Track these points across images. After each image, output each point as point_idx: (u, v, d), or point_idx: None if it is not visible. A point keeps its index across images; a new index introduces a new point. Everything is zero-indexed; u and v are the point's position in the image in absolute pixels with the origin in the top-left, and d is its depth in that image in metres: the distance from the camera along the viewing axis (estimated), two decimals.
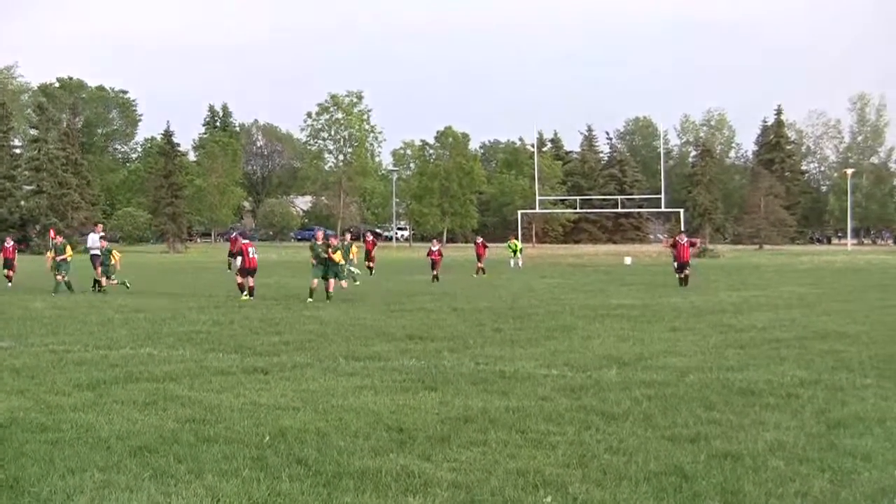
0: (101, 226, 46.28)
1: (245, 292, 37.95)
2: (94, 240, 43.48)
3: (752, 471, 11.14)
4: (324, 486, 10.48)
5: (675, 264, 53.04)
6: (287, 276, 55.77)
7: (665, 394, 16.10)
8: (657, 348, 22.78)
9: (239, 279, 39.19)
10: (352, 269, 50.95)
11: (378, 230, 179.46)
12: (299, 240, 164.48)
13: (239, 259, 39.46)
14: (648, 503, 9.86)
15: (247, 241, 39.57)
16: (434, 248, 55.84)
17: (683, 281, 47.89)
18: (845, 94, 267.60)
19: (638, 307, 34.86)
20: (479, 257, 64.33)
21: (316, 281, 37.81)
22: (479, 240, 66.87)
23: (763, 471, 11.15)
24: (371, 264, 62.73)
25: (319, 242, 38.25)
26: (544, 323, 28.97)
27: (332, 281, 37.91)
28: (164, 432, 13.11)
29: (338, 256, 38.08)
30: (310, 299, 36.84)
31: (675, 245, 49.72)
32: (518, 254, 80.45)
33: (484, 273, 62.27)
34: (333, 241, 38.32)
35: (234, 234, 63.83)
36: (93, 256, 42.97)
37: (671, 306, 35.26)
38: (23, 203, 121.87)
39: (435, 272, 54.76)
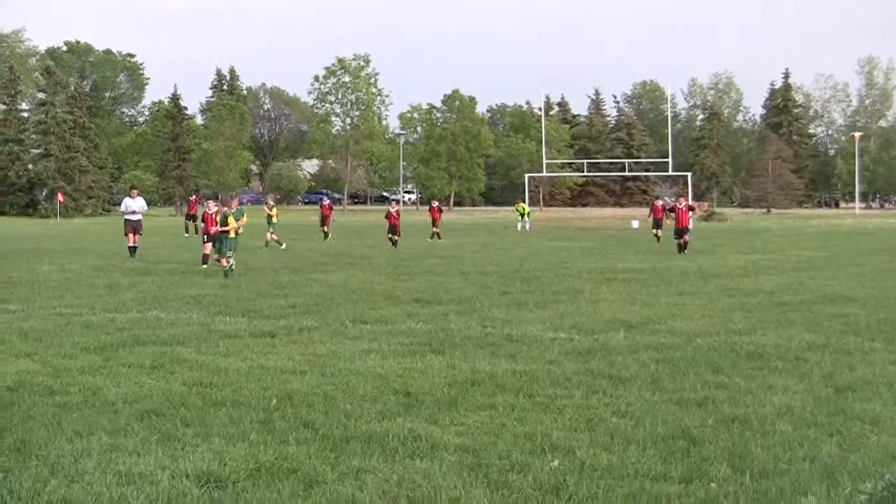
0: (136, 190, 45.66)
1: (204, 262, 36.12)
2: (127, 204, 43.04)
3: (759, 435, 11.12)
4: (331, 449, 10.47)
5: (663, 231, 53.02)
6: (293, 239, 55.71)
7: (673, 357, 16.10)
8: (664, 312, 22.79)
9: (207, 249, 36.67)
10: (273, 236, 50.44)
11: (385, 193, 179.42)
12: (306, 203, 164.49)
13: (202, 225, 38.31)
14: (656, 467, 9.84)
15: (217, 209, 36.81)
16: (392, 211, 53.85)
17: (683, 247, 46.30)
18: (853, 57, 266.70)
19: (645, 271, 34.86)
20: (434, 221, 61.78)
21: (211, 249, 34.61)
22: (435, 204, 64.29)
23: (771, 435, 11.13)
24: (326, 229, 59.84)
25: (233, 210, 34.00)
26: (551, 286, 28.98)
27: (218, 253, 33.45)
28: (171, 396, 13.11)
29: (230, 222, 33.20)
30: (204, 266, 34.41)
31: (673, 210, 48.38)
32: (525, 217, 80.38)
33: (439, 238, 59.91)
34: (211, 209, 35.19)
35: (194, 196, 62.25)
36: (127, 221, 42.48)
37: (679, 270, 35.26)
38: (30, 166, 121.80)
39: (393, 236, 52.84)
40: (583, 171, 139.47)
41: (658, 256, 42.96)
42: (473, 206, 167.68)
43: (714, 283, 30.17)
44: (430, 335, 18.77)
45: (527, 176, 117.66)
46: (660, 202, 61.99)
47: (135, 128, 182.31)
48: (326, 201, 63.98)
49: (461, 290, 27.83)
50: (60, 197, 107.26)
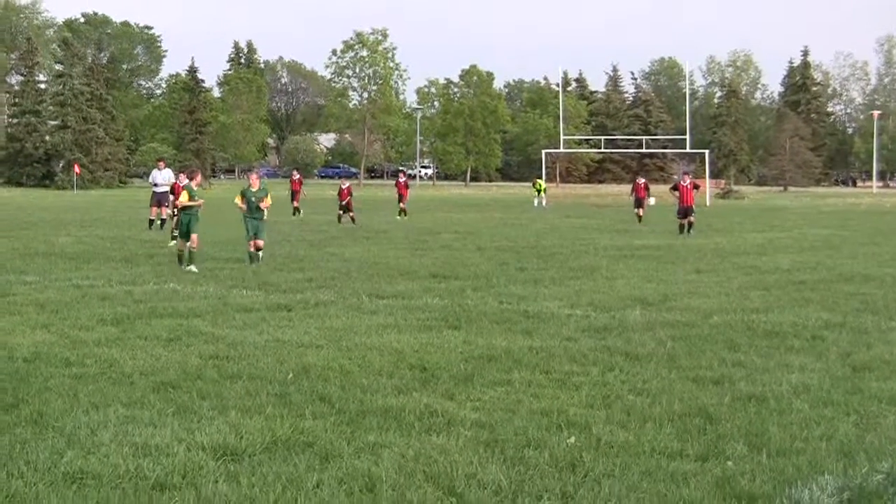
0: (163, 162, 45.34)
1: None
2: (153, 176, 43.03)
3: (776, 413, 11.10)
4: (347, 423, 10.48)
5: (645, 210, 51.98)
6: (310, 212, 55.69)
7: (689, 335, 16.07)
8: (681, 289, 22.74)
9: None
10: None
11: (401, 168, 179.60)
12: (323, 177, 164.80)
13: (171, 198, 36.91)
14: (672, 444, 9.83)
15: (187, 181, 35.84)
16: (344, 187, 50.94)
17: (687, 227, 43.60)
18: (873, 35, 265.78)
19: (662, 248, 34.79)
20: (401, 197, 56.85)
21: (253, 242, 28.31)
22: (402, 179, 59.69)
23: (788, 413, 11.11)
24: (296, 204, 56.78)
25: (255, 188, 29.04)
26: (568, 263, 28.93)
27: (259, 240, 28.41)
28: (187, 368, 13.14)
29: (268, 200, 29.31)
30: (255, 264, 27.41)
31: (676, 188, 45.87)
32: (542, 193, 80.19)
33: (405, 215, 55.37)
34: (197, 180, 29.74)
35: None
36: (153, 193, 42.47)
37: (695, 247, 35.17)
38: (48, 138, 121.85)
39: (344, 213, 49.75)
40: (600, 148, 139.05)
41: (674, 234, 42.77)
42: (490, 181, 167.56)
43: (731, 261, 30.09)
44: (447, 310, 18.77)
45: (544, 152, 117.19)
46: (641, 180, 59.07)
47: (152, 100, 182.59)
48: (296, 176, 61.23)
49: (478, 265, 27.80)
50: (77, 169, 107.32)
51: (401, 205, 56.47)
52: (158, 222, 41.66)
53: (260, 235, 28.32)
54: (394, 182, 66.36)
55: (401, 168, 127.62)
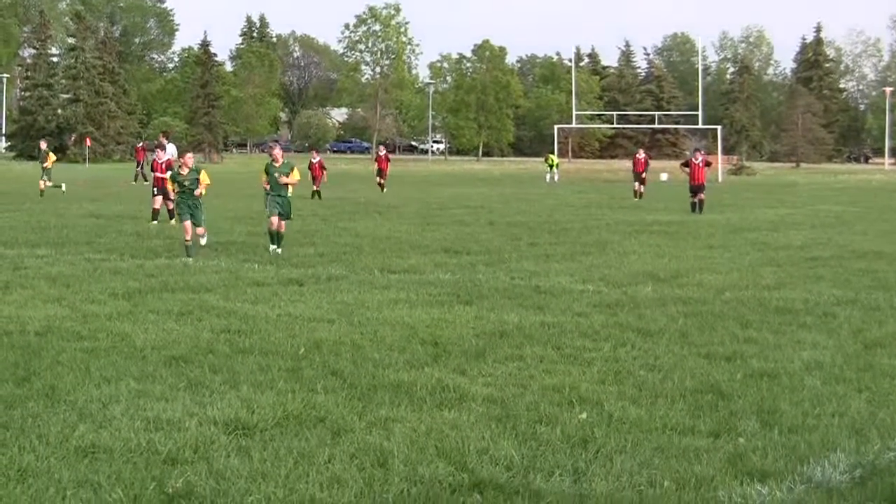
0: (164, 136, 44.77)
1: (164, 217, 32.06)
2: (171, 150, 42.69)
3: (788, 390, 11.09)
4: (358, 398, 10.49)
5: (645, 186, 51.44)
6: (322, 188, 55.69)
7: (701, 311, 16.05)
8: (693, 265, 22.74)
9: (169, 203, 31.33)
10: (48, 182, 47.04)
11: (413, 143, 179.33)
12: (335, 151, 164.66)
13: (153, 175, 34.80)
14: (684, 421, 9.82)
15: (168, 158, 33.54)
16: (314, 161, 49.56)
17: (698, 206, 42.30)
18: (885, 12, 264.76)
19: (674, 223, 34.76)
20: (381, 172, 55.19)
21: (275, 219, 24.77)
22: (383, 151, 58.36)
23: (800, 390, 11.10)
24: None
25: (278, 164, 25.58)
26: (580, 238, 28.93)
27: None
28: (199, 343, 13.15)
29: (294, 176, 25.64)
30: (275, 247, 24.52)
31: (688, 164, 44.57)
32: (554, 168, 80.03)
33: (383, 189, 54.00)
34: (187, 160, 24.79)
35: (141, 143, 59.43)
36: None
37: (707, 223, 35.15)
38: (60, 111, 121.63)
39: (316, 188, 48.17)
40: (612, 123, 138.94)
41: (686, 210, 42.68)
42: (502, 156, 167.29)
43: (743, 237, 30.08)
44: (459, 286, 18.78)
45: (556, 127, 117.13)
46: (641, 155, 56.65)
47: (164, 74, 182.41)
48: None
49: (489, 240, 27.82)
50: (88, 142, 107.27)
51: (379, 179, 55.23)
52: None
53: (284, 215, 24.95)
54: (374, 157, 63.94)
55: (414, 142, 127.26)
